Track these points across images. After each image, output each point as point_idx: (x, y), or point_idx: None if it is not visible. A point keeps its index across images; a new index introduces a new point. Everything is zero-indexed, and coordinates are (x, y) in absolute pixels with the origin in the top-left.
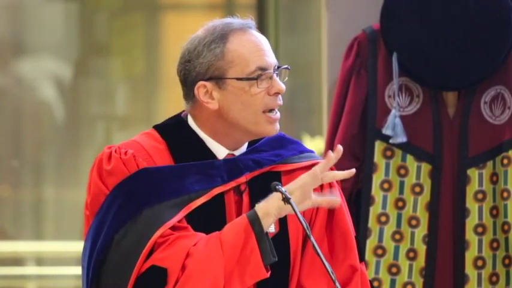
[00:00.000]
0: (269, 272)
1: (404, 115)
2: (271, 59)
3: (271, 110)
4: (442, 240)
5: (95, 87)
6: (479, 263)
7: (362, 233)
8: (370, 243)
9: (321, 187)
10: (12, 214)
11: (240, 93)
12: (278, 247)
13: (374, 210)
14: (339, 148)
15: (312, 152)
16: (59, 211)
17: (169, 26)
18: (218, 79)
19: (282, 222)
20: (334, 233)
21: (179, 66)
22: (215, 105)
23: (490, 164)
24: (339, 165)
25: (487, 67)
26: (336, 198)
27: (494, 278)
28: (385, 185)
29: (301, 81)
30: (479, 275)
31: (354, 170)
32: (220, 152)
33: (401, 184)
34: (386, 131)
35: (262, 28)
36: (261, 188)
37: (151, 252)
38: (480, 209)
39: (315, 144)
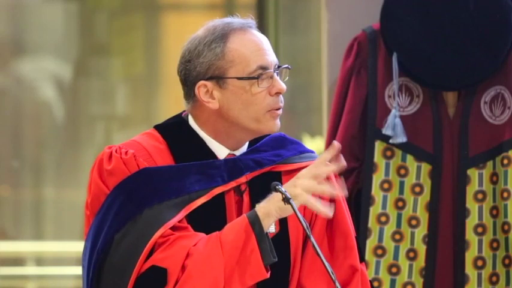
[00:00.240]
0: (269, 273)
1: (404, 115)
2: (271, 59)
3: (273, 109)
4: (442, 240)
5: (95, 87)
6: (479, 263)
7: (362, 233)
8: (370, 243)
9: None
10: (12, 214)
11: (240, 93)
12: (278, 247)
13: (374, 210)
14: (335, 144)
15: (312, 152)
16: (59, 211)
17: (169, 26)
18: (219, 78)
19: (282, 222)
20: (335, 233)
21: (179, 66)
22: (216, 105)
23: (490, 164)
24: None
25: (487, 67)
26: (327, 213)
27: (494, 278)
28: (385, 185)
29: (301, 81)
30: (479, 275)
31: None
32: (221, 152)
33: (401, 184)
34: (387, 131)
35: (262, 28)
36: (261, 188)
37: (151, 252)
38: (480, 209)
39: (315, 144)
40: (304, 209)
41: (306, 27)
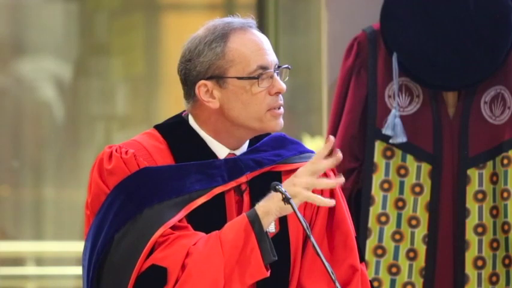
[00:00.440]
0: (269, 271)
1: (404, 115)
2: (272, 58)
3: (273, 108)
4: (442, 240)
5: (95, 87)
6: (479, 263)
7: (362, 233)
8: (370, 243)
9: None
10: (12, 214)
11: (240, 92)
12: (278, 247)
13: (374, 210)
14: (331, 139)
15: (312, 152)
16: (59, 211)
17: (169, 26)
18: (219, 78)
19: (282, 222)
20: (335, 233)
21: (180, 65)
22: (216, 104)
23: (490, 164)
24: (340, 165)
25: (487, 67)
26: (330, 203)
27: (494, 278)
28: (385, 185)
29: (301, 81)
30: (479, 275)
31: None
32: (221, 151)
33: (401, 184)
34: (386, 131)
35: (262, 28)
36: (261, 188)
37: (151, 252)
38: (480, 209)
39: (315, 144)
40: (304, 208)
41: (306, 27)
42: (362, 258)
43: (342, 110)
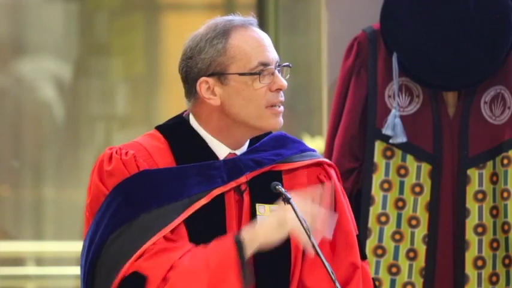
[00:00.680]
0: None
1: (404, 115)
2: (273, 55)
3: (274, 105)
4: (442, 240)
5: (95, 87)
6: (479, 263)
7: (362, 233)
8: (370, 243)
9: (322, 185)
10: (12, 214)
11: (242, 88)
12: (279, 246)
13: (374, 210)
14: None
15: (313, 150)
16: (59, 211)
17: (169, 26)
18: (220, 75)
19: None
20: (336, 232)
21: (181, 63)
22: (217, 101)
23: (490, 164)
24: (339, 165)
25: (487, 67)
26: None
27: (494, 278)
28: (385, 185)
29: (301, 81)
30: (479, 275)
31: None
32: (222, 151)
33: (401, 184)
34: (386, 131)
35: (262, 28)
36: (261, 188)
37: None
38: (480, 209)
39: (315, 144)
40: None
41: (306, 27)
42: (364, 256)
43: (342, 110)
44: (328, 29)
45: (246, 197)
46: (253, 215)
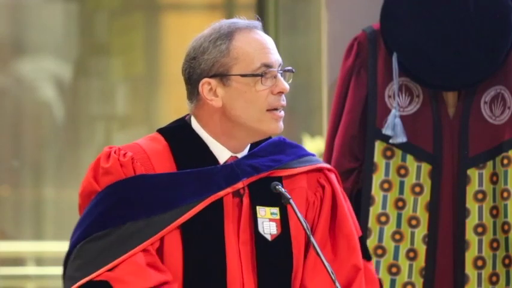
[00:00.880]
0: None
1: (404, 115)
2: (276, 58)
3: (275, 109)
4: (442, 240)
5: (95, 87)
6: (479, 263)
7: (362, 233)
8: (370, 243)
9: (323, 188)
10: (12, 214)
11: (244, 90)
12: (280, 248)
13: (374, 210)
14: None
15: (312, 155)
16: (59, 211)
17: (169, 26)
18: (222, 76)
19: (284, 223)
20: (338, 235)
21: (184, 64)
22: (219, 103)
23: (490, 164)
24: (339, 165)
25: (487, 67)
26: None
27: (494, 278)
28: (385, 185)
29: (301, 81)
30: (479, 275)
31: None
32: (223, 154)
33: (401, 184)
34: (386, 131)
35: (262, 28)
36: (262, 190)
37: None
38: (480, 209)
39: (315, 144)
40: (307, 210)
41: (306, 27)
42: (369, 257)
43: (342, 110)
44: (328, 29)
45: (246, 200)
46: (252, 217)
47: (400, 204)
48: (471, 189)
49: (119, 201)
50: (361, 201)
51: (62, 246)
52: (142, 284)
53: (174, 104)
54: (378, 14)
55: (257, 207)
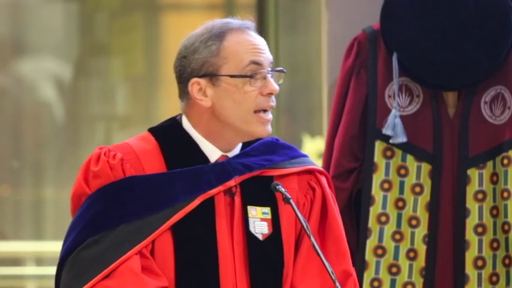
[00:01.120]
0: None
1: (404, 115)
2: (266, 58)
3: (263, 111)
4: (442, 240)
5: (95, 87)
6: (480, 263)
7: (362, 233)
8: (370, 243)
9: (313, 191)
10: (12, 214)
11: (232, 91)
12: (271, 248)
13: (374, 210)
14: None
15: (305, 156)
16: (59, 211)
17: (169, 26)
18: (212, 76)
19: (275, 223)
20: (327, 238)
21: (175, 62)
22: (208, 103)
23: (490, 164)
24: (340, 165)
25: (487, 67)
26: None
27: (494, 278)
28: (385, 185)
29: (301, 81)
30: (480, 275)
31: None
32: (214, 154)
33: (402, 184)
34: (387, 131)
35: (262, 28)
36: (253, 190)
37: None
38: (480, 209)
39: (315, 144)
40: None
41: (306, 28)
42: (353, 262)
43: (342, 110)
44: (328, 29)
45: (237, 199)
46: (245, 217)
47: (400, 204)
48: (471, 189)
49: (110, 204)
50: (361, 201)
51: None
52: None
53: (174, 104)
54: (378, 14)
55: (248, 207)
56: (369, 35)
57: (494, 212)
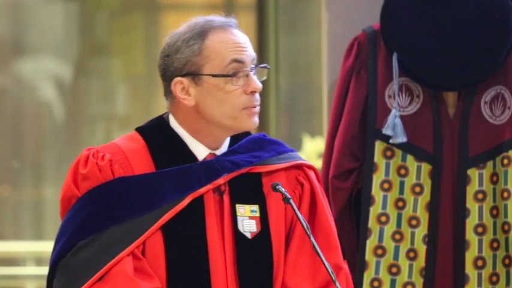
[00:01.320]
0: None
1: (405, 115)
2: (249, 56)
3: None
4: (442, 240)
5: (95, 87)
6: (480, 263)
7: (362, 233)
8: (370, 243)
9: (301, 186)
10: (12, 214)
11: (215, 90)
12: (260, 246)
13: (374, 210)
14: None
15: (293, 151)
16: (58, 211)
17: (169, 26)
18: (194, 75)
19: (264, 221)
20: (317, 232)
21: (159, 60)
22: (191, 102)
23: (490, 164)
24: (340, 165)
25: (487, 67)
26: None
27: (494, 278)
28: (385, 185)
29: (301, 81)
30: (480, 275)
31: None
32: (201, 151)
33: (402, 184)
34: (387, 131)
35: (262, 28)
36: (241, 188)
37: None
38: (480, 209)
39: (315, 144)
40: (286, 208)
41: (306, 28)
42: (344, 256)
43: (342, 110)
44: (328, 29)
45: (226, 198)
46: (233, 215)
47: (400, 204)
48: (471, 189)
49: (100, 207)
50: (361, 201)
51: None
52: None
53: None
54: (378, 14)
55: (236, 206)
56: (369, 35)
57: (494, 212)
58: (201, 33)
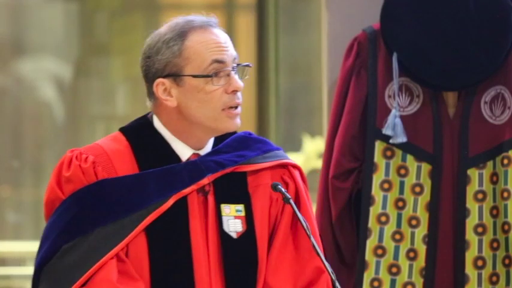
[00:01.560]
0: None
1: (405, 115)
2: (229, 55)
3: (231, 107)
4: (442, 240)
5: (95, 87)
6: (480, 263)
7: (362, 233)
8: (370, 243)
9: (286, 185)
10: (12, 214)
11: (196, 91)
12: (245, 246)
13: (374, 210)
14: None
15: (278, 149)
16: None
17: None
18: (175, 76)
19: (249, 221)
20: (300, 234)
21: (141, 61)
22: (173, 103)
23: (490, 164)
24: (340, 165)
25: (487, 67)
26: None
27: (494, 278)
28: (385, 185)
29: (301, 81)
30: (480, 275)
31: None
32: (185, 152)
33: (402, 184)
34: (387, 131)
35: (262, 28)
36: (226, 188)
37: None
38: (480, 209)
39: (315, 144)
40: (270, 206)
41: (306, 28)
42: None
43: (342, 110)
44: (328, 29)
45: (211, 198)
46: (218, 215)
47: (400, 204)
48: (471, 189)
49: (84, 210)
50: (361, 201)
51: None
52: None
53: None
54: (378, 14)
55: (222, 206)
56: (369, 35)
57: (494, 212)
58: (181, 34)
